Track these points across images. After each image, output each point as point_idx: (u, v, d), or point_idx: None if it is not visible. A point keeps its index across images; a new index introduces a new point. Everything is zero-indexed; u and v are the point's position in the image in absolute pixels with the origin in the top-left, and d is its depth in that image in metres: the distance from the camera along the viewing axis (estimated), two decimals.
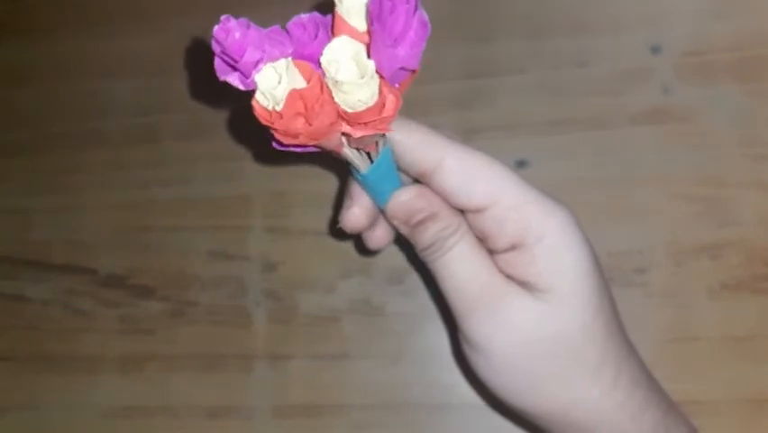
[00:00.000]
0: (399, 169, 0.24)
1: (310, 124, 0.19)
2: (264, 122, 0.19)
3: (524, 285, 0.23)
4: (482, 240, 0.24)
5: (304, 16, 0.20)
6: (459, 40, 0.36)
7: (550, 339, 0.23)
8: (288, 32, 0.20)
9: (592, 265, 0.23)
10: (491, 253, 0.24)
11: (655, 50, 0.34)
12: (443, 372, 0.34)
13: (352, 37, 0.19)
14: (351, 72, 0.18)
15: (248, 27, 0.19)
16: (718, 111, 0.33)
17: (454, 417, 0.33)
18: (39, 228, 0.39)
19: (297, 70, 0.19)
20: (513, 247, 0.23)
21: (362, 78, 0.18)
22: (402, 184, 0.24)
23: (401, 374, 0.34)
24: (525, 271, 0.23)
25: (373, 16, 0.18)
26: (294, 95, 0.18)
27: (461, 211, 0.24)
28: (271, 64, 0.19)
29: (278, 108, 0.19)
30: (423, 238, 0.24)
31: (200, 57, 0.38)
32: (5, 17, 0.42)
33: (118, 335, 0.37)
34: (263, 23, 0.20)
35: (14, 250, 0.40)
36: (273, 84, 0.19)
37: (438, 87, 0.36)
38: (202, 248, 0.37)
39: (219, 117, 0.38)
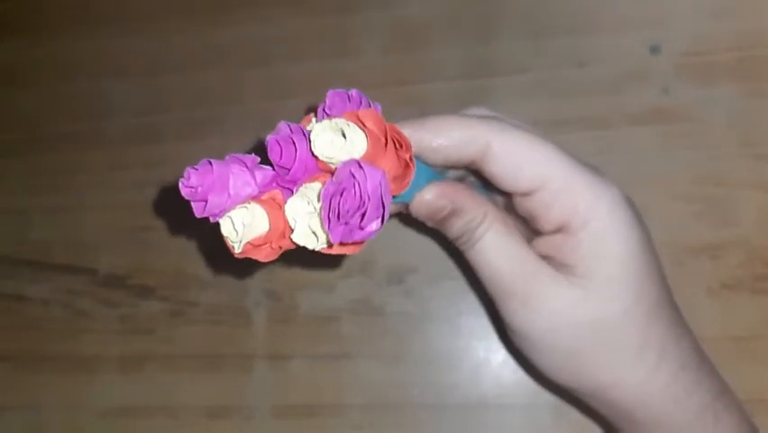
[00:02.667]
0: (445, 166, 0.24)
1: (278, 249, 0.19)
2: (232, 252, 0.19)
3: (562, 268, 0.23)
4: (529, 221, 0.24)
5: (291, 127, 0.19)
6: (459, 40, 0.36)
7: (588, 324, 0.23)
8: (267, 146, 0.19)
9: (639, 249, 0.23)
10: (537, 234, 0.24)
11: (655, 50, 0.34)
12: (443, 372, 0.34)
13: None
14: (307, 240, 0.18)
15: (211, 172, 0.18)
16: (718, 111, 0.33)
17: (454, 417, 0.33)
18: (39, 228, 0.39)
19: (259, 211, 0.19)
20: (558, 230, 0.23)
21: (318, 242, 0.18)
22: (429, 176, 0.24)
23: (401, 374, 0.34)
24: (568, 254, 0.23)
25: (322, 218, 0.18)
26: (251, 244, 0.19)
27: (509, 194, 0.24)
28: (229, 215, 0.18)
29: (239, 250, 0.19)
30: (450, 232, 0.24)
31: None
32: (5, 17, 0.42)
33: (118, 335, 0.37)
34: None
35: (14, 250, 0.40)
36: (232, 233, 0.19)
37: (438, 87, 0.36)
38: (202, 248, 0.37)
39: (219, 117, 0.38)
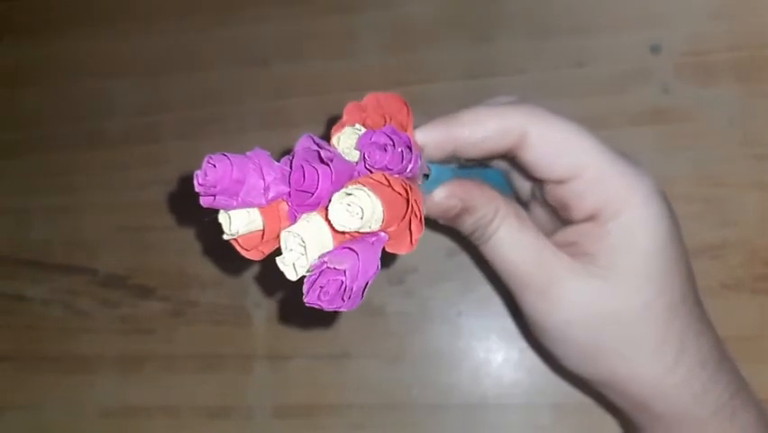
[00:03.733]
0: (482, 158, 0.24)
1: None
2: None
3: (584, 256, 0.23)
4: (558, 209, 0.24)
5: (318, 144, 0.18)
6: (459, 40, 0.36)
7: (606, 316, 0.23)
8: (291, 163, 0.18)
9: (666, 243, 0.23)
10: (565, 222, 0.24)
11: (655, 50, 0.34)
12: (443, 372, 0.34)
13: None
14: (286, 271, 0.18)
15: (228, 174, 0.18)
16: (718, 111, 0.33)
17: (454, 417, 0.33)
18: (39, 228, 0.39)
19: (258, 219, 0.19)
20: (588, 219, 0.23)
21: (296, 276, 0.18)
22: (446, 177, 0.24)
23: (401, 374, 0.34)
24: (593, 243, 0.23)
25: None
26: (239, 243, 0.19)
27: (540, 181, 0.24)
28: (230, 213, 0.18)
29: (227, 238, 0.19)
30: (463, 228, 0.24)
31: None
32: (6, 17, 0.42)
33: (118, 335, 0.37)
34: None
35: (14, 250, 0.40)
36: (227, 227, 0.19)
37: (438, 86, 0.36)
38: (202, 248, 0.37)
39: (219, 117, 0.38)
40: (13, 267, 0.39)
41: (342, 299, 0.17)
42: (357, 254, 0.17)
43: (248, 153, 0.19)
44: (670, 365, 0.23)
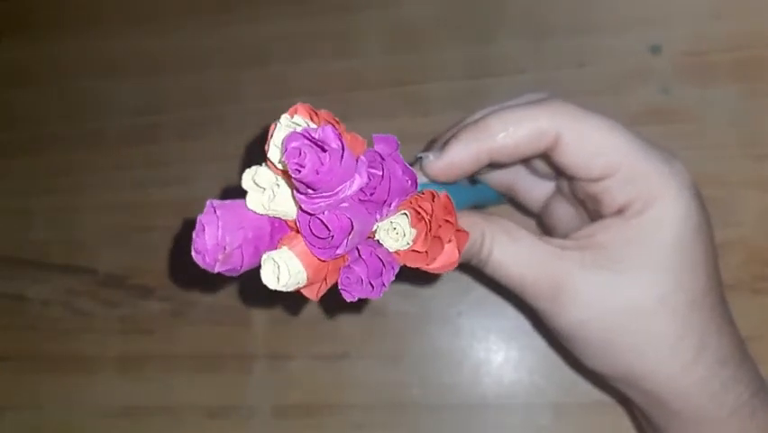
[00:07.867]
0: (517, 162, 0.24)
1: None
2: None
3: (596, 249, 0.23)
4: (587, 203, 0.24)
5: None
6: (459, 40, 0.36)
7: (621, 311, 0.23)
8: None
9: (692, 238, 0.23)
10: (595, 215, 0.24)
11: (655, 50, 0.34)
12: (443, 372, 0.34)
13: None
14: (245, 180, 0.19)
15: (327, 179, 0.17)
16: (718, 111, 0.33)
17: (454, 417, 0.33)
18: (38, 228, 0.39)
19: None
20: (617, 213, 0.23)
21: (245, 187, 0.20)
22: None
23: (401, 374, 0.34)
24: (612, 236, 0.23)
25: None
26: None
27: (568, 177, 0.24)
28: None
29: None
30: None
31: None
32: (5, 17, 0.42)
33: (118, 335, 0.37)
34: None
35: (14, 250, 0.40)
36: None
37: (438, 87, 0.36)
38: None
39: (219, 117, 0.38)
40: (13, 267, 0.39)
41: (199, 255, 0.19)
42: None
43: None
44: (688, 362, 0.23)
